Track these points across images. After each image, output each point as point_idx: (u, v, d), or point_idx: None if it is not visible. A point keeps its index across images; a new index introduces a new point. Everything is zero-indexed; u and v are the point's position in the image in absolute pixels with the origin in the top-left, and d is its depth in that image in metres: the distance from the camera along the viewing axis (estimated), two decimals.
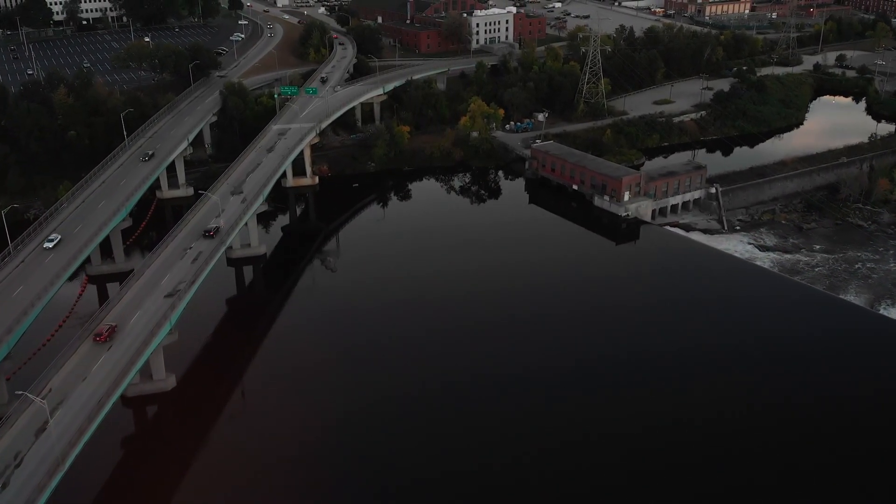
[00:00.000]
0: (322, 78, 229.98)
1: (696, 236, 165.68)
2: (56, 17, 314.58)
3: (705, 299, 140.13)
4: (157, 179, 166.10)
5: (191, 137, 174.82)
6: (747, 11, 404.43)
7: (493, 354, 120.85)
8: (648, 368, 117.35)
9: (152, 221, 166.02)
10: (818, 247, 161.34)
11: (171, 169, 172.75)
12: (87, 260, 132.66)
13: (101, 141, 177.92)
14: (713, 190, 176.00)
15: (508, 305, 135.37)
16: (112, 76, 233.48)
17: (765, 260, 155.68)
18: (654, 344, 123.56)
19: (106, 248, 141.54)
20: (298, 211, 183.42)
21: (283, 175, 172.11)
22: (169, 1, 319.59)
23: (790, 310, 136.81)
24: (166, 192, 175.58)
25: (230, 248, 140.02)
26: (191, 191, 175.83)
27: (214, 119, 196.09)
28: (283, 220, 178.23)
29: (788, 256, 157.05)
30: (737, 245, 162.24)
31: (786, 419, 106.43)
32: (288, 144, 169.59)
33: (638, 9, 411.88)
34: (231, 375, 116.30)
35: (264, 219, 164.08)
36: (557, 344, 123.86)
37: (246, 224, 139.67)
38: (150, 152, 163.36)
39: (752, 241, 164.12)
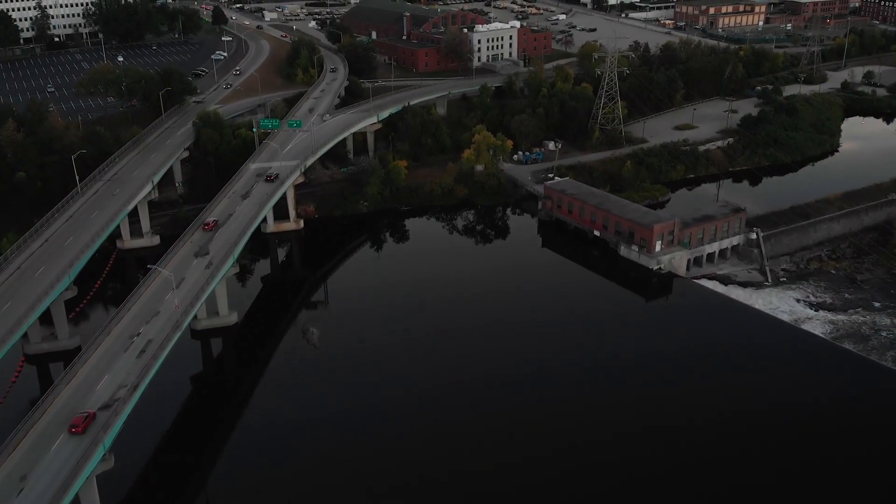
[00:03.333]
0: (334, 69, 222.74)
1: (736, 293, 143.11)
2: (25, 35, 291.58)
3: (752, 388, 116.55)
4: (118, 227, 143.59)
5: (156, 179, 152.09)
6: (761, 23, 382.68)
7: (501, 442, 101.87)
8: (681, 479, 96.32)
9: (109, 278, 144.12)
10: (878, 304, 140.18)
11: (133, 215, 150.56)
12: (25, 337, 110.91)
13: (55, 183, 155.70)
14: (754, 235, 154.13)
15: (520, 379, 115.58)
16: (78, 103, 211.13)
17: (817, 322, 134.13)
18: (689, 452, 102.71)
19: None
20: (280, 259, 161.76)
21: (263, 220, 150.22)
22: (147, 17, 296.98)
23: (860, 397, 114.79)
24: (128, 242, 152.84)
25: (195, 318, 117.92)
26: (157, 240, 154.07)
27: (186, 154, 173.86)
28: (263, 269, 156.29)
29: (846, 318, 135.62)
30: (784, 302, 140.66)
31: None
32: (266, 189, 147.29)
33: (646, 20, 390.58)
34: (190, 489, 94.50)
35: (240, 270, 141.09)
36: (574, 432, 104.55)
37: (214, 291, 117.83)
38: None
39: (800, 298, 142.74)
